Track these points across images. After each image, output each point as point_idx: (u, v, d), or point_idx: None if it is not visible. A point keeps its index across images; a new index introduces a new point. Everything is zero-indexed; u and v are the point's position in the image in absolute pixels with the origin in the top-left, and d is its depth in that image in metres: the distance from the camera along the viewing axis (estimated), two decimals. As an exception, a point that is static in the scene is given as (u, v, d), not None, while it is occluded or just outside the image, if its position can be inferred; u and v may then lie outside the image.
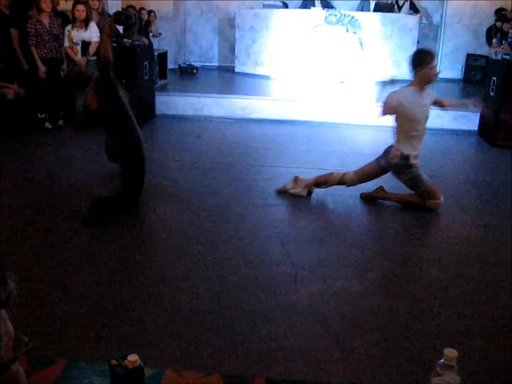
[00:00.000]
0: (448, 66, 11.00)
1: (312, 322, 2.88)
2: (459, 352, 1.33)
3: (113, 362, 1.46)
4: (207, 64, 12.09)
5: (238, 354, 2.59)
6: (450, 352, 1.32)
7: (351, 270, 3.49)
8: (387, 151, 4.50)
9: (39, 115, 7.14)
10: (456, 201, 4.77)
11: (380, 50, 9.79)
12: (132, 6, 9.39)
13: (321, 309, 3.01)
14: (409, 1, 10.56)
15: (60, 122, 7.13)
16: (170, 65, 10.27)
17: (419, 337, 2.76)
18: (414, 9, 10.55)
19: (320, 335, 2.77)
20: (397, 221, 4.43)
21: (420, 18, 10.66)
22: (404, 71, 10.16)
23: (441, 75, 10.92)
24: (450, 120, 7.63)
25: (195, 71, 10.79)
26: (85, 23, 6.97)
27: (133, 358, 1.44)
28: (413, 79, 4.44)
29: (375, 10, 10.25)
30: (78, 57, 7.03)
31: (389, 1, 10.83)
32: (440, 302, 3.15)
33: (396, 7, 10.46)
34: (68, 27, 7.02)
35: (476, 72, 10.44)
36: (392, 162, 4.43)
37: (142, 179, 4.50)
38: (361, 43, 9.66)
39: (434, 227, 4.41)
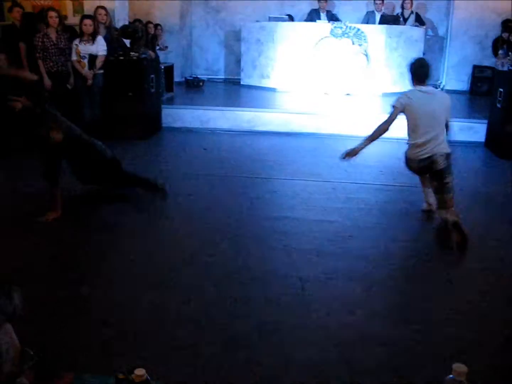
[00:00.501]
0: (454, 78, 11.01)
1: (319, 337, 2.86)
2: (469, 367, 1.32)
3: (120, 375, 1.46)
4: (213, 77, 12.14)
5: (244, 369, 2.57)
6: (460, 367, 1.31)
7: (358, 283, 3.47)
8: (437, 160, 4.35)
9: None
10: (463, 213, 4.74)
11: (386, 62, 9.81)
12: (139, 20, 9.47)
13: (328, 323, 2.99)
14: (415, 13, 10.59)
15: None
16: (176, 78, 10.33)
17: (428, 352, 2.74)
18: (420, 21, 10.58)
19: (327, 349, 2.75)
20: (404, 234, 4.41)
21: (426, 30, 10.71)
22: (410, 83, 10.21)
23: (447, 87, 10.97)
24: (457, 131, 7.61)
25: (201, 84, 10.84)
26: (93, 37, 7.04)
27: (140, 372, 1.44)
28: (417, 83, 4.46)
29: (381, 22, 10.29)
30: (85, 70, 7.09)
31: (395, 14, 10.89)
32: (448, 316, 3.12)
33: (402, 19, 10.49)
34: (76, 41, 7.09)
35: (483, 84, 10.44)
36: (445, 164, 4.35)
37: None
38: (366, 55, 9.69)
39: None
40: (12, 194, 5.10)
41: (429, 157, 4.33)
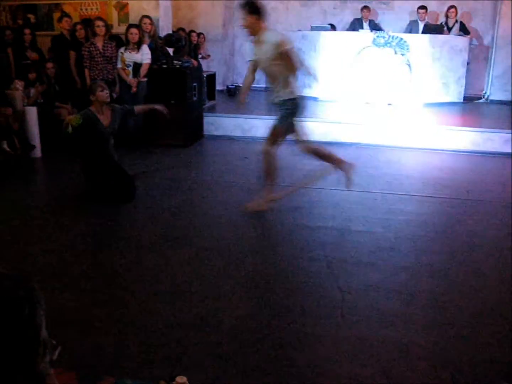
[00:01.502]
0: (500, 88, 10.77)
1: (358, 348, 2.83)
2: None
3: (162, 382, 1.48)
4: (255, 85, 12.14)
5: (283, 377, 2.57)
6: (506, 386, 1.28)
7: (399, 296, 3.43)
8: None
9: None
10: (506, 225, 4.64)
11: (429, 72, 9.68)
12: (182, 29, 9.60)
13: (367, 335, 2.96)
14: (459, 22, 10.42)
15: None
16: (218, 87, 10.41)
17: (470, 368, 2.68)
18: (464, 30, 10.40)
19: (366, 361, 2.72)
20: (445, 246, 4.33)
21: (471, 40, 10.51)
22: (453, 93, 10.07)
23: (492, 97, 10.76)
24: (502, 143, 7.46)
25: (242, 92, 10.89)
26: (138, 45, 7.18)
27: (181, 379, 1.45)
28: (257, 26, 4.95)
29: (424, 32, 10.16)
30: (130, 78, 7.23)
31: (439, 23, 10.74)
32: (493, 331, 3.04)
33: (446, 28, 10.34)
34: (121, 49, 7.24)
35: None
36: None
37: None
38: (409, 65, 9.58)
39: (482, 251, 4.26)
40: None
41: None
